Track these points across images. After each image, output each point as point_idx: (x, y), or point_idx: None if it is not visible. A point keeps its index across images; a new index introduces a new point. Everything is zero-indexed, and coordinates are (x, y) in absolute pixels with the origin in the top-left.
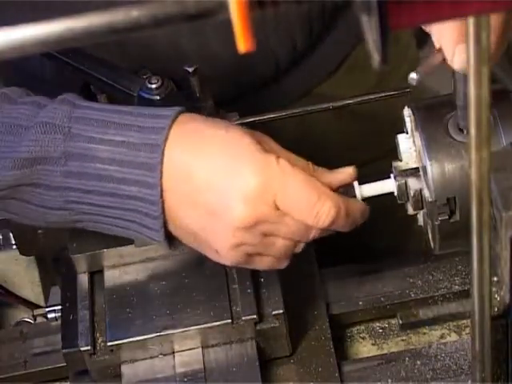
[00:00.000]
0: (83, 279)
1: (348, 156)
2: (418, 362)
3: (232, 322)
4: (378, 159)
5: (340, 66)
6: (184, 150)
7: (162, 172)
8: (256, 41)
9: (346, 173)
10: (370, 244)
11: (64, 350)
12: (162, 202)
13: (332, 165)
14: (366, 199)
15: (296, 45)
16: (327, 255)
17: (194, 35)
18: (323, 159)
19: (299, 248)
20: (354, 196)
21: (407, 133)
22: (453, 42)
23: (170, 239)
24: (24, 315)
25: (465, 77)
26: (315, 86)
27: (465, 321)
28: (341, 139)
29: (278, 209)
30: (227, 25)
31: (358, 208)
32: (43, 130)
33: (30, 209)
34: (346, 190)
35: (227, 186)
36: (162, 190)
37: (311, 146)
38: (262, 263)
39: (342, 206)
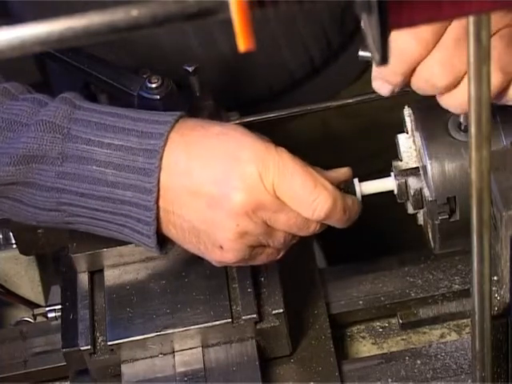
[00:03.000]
0: (83, 279)
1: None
2: (418, 362)
3: (232, 322)
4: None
5: (358, 79)
6: (182, 154)
7: (159, 178)
8: (268, 53)
9: (341, 172)
10: (370, 243)
11: (64, 350)
12: (157, 208)
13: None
14: (365, 196)
15: (312, 59)
16: (327, 254)
17: (202, 37)
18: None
19: (296, 239)
20: (354, 193)
21: (407, 132)
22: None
23: (162, 244)
24: (24, 314)
25: None
26: (330, 99)
27: (465, 320)
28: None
29: (277, 197)
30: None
31: (355, 205)
32: (42, 128)
33: (21, 208)
34: (346, 187)
35: (227, 175)
36: (157, 196)
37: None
38: (263, 256)
39: (338, 199)
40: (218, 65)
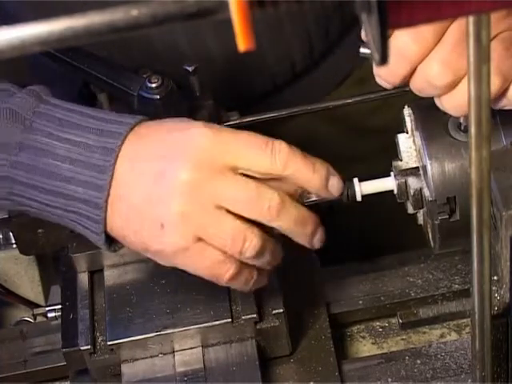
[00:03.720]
0: (83, 278)
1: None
2: (418, 361)
3: (232, 321)
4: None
5: (344, 81)
6: (135, 151)
7: (112, 175)
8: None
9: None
10: (369, 243)
11: (64, 350)
12: (106, 205)
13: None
14: (365, 196)
15: (295, 64)
16: (327, 254)
17: (192, 37)
18: None
19: (251, 243)
20: (354, 193)
21: (407, 132)
22: None
23: (112, 242)
24: (24, 314)
25: None
26: (317, 100)
27: (465, 320)
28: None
29: (228, 172)
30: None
31: (320, 161)
32: (6, 116)
33: None
34: (346, 187)
35: (176, 149)
36: (108, 194)
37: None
38: (206, 257)
39: (296, 150)
40: (226, 61)
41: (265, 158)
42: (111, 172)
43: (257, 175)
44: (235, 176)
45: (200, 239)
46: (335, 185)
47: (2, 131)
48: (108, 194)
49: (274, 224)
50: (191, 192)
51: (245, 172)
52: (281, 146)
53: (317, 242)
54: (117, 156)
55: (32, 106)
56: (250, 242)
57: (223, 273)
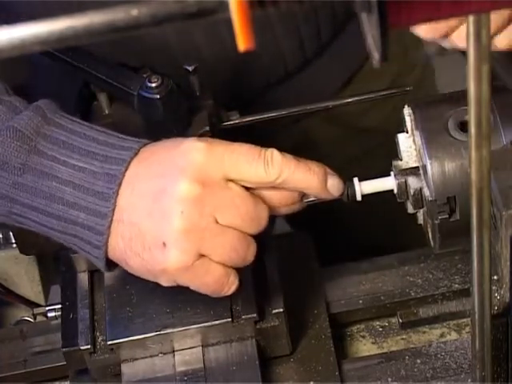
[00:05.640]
0: (83, 278)
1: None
2: (418, 361)
3: (232, 321)
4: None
5: (353, 77)
6: (140, 172)
7: (115, 203)
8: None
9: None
10: (369, 243)
11: (64, 349)
12: (108, 232)
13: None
14: (365, 196)
15: (287, 63)
16: (327, 254)
17: (183, 37)
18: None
19: (251, 252)
20: (354, 193)
21: (407, 132)
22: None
23: (111, 265)
24: (24, 314)
25: None
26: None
27: (465, 319)
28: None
29: (226, 184)
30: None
31: (316, 164)
32: (11, 134)
33: None
34: (346, 187)
35: (173, 166)
36: (111, 220)
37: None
38: (210, 273)
39: (290, 157)
40: (220, 61)
41: (259, 168)
42: (114, 200)
43: (253, 186)
44: (232, 190)
45: (202, 255)
46: (335, 185)
47: (5, 150)
48: (111, 221)
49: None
50: (191, 208)
51: (240, 183)
52: (273, 155)
53: (331, 188)
54: (120, 183)
55: (37, 127)
56: (253, 250)
57: (226, 289)
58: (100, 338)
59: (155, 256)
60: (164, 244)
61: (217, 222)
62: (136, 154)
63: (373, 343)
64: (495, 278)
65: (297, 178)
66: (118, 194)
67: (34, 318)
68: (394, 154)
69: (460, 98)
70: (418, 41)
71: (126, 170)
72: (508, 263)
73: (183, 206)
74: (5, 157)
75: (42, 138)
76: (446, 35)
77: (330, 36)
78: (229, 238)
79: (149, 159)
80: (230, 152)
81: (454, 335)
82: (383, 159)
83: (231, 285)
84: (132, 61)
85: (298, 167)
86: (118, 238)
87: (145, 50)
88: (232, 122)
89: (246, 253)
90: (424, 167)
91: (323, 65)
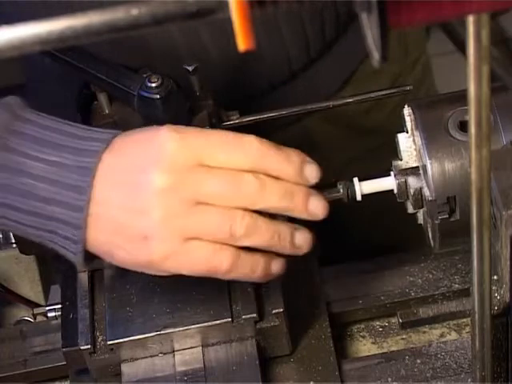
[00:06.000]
0: (83, 278)
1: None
2: (418, 361)
3: (232, 321)
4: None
5: (349, 78)
6: (113, 162)
7: (90, 196)
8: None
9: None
10: (369, 243)
11: (64, 349)
12: (85, 225)
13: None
14: (365, 196)
15: (292, 62)
16: (327, 254)
17: (189, 37)
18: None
19: (240, 223)
20: (354, 193)
21: (407, 132)
22: None
23: (89, 260)
24: (24, 314)
25: None
26: (316, 99)
27: (465, 319)
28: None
29: (201, 168)
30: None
31: (294, 151)
32: None
33: None
34: (346, 186)
35: (147, 159)
36: (87, 214)
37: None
38: (199, 253)
39: (266, 140)
40: (226, 61)
41: (237, 154)
42: (89, 193)
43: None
44: (209, 171)
45: (187, 239)
46: (314, 172)
47: None
48: (87, 214)
49: (259, 207)
50: (168, 197)
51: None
52: (251, 140)
53: (315, 209)
54: (94, 175)
55: (6, 123)
56: (240, 221)
57: (219, 264)
58: (100, 338)
59: (139, 249)
60: (145, 237)
61: (196, 205)
62: (108, 145)
63: (373, 343)
64: (495, 277)
65: (274, 164)
66: (92, 186)
67: (34, 318)
68: (395, 154)
69: (460, 98)
70: (418, 41)
71: (98, 161)
72: (508, 263)
73: (159, 198)
74: None
75: (12, 134)
76: None
77: (334, 36)
78: (209, 215)
79: (121, 150)
80: (205, 139)
81: (453, 335)
82: (384, 159)
83: (226, 260)
84: (136, 61)
85: (276, 153)
86: (98, 231)
87: (150, 50)
88: (232, 122)
89: (231, 226)
90: (424, 167)
91: (326, 64)
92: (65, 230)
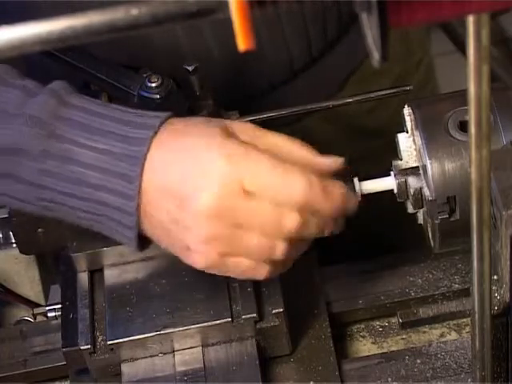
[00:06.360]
0: (83, 278)
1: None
2: (418, 361)
3: (232, 321)
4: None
5: (349, 78)
6: (160, 159)
7: (140, 184)
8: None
9: (334, 160)
10: (369, 243)
11: (64, 349)
12: (138, 213)
13: None
14: (365, 195)
15: (293, 62)
16: (327, 254)
17: (191, 36)
18: None
19: (279, 250)
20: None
21: (407, 132)
22: None
23: (142, 244)
24: (24, 314)
25: None
26: (317, 99)
27: (465, 319)
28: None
29: (247, 194)
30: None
31: (338, 187)
32: (29, 122)
33: None
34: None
35: (195, 176)
36: (139, 202)
37: None
38: (238, 267)
39: (314, 180)
40: (229, 60)
41: (283, 193)
42: (139, 182)
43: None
44: (254, 199)
45: (227, 256)
46: (351, 201)
47: (25, 138)
48: (139, 203)
49: (296, 237)
50: (213, 220)
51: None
52: (300, 181)
53: (336, 229)
54: (143, 164)
55: (53, 110)
56: (279, 249)
57: (258, 275)
58: (100, 338)
59: (182, 254)
60: (188, 248)
61: (239, 227)
62: (156, 132)
63: (373, 343)
64: (495, 277)
65: (317, 204)
66: (141, 176)
67: (34, 318)
68: (396, 155)
69: (460, 98)
70: (422, 41)
71: (147, 150)
72: (508, 263)
73: (204, 220)
74: (25, 145)
75: (59, 121)
76: None
77: (336, 35)
78: (251, 241)
79: (170, 146)
80: (253, 165)
81: (453, 335)
82: (385, 160)
83: (264, 272)
84: (137, 60)
85: (321, 196)
86: (147, 223)
87: (151, 49)
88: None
89: (272, 252)
90: (424, 167)
91: (328, 64)
92: (118, 215)
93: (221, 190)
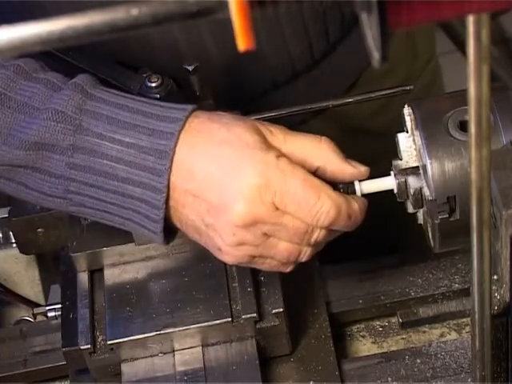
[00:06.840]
0: (83, 278)
1: None
2: (418, 361)
3: (232, 321)
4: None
5: (356, 81)
6: (188, 156)
7: (169, 178)
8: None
9: (359, 169)
10: (369, 242)
11: (64, 349)
12: (165, 206)
13: None
14: (365, 195)
15: (294, 63)
16: (327, 253)
17: (191, 36)
18: None
19: (305, 254)
20: (354, 192)
21: (407, 131)
22: None
23: (169, 235)
24: (24, 314)
25: None
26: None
27: (465, 319)
28: None
29: (277, 209)
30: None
31: (360, 207)
32: (55, 117)
33: (25, 192)
34: (346, 186)
35: (227, 186)
36: (167, 196)
37: None
38: (265, 265)
39: (342, 206)
40: (229, 61)
41: (308, 218)
42: (167, 175)
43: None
44: (283, 215)
45: (255, 258)
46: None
47: (52, 134)
48: (167, 196)
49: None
50: (243, 230)
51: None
52: (327, 206)
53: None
54: (172, 158)
55: (79, 104)
56: (305, 253)
57: (285, 269)
58: (100, 338)
59: (213, 251)
60: (219, 249)
61: (269, 237)
62: (183, 126)
63: (373, 343)
64: (495, 277)
65: (340, 227)
66: (170, 170)
67: (34, 318)
68: (397, 156)
69: (460, 97)
70: (428, 44)
71: (175, 145)
72: (508, 263)
73: (236, 229)
74: (52, 140)
75: (85, 114)
76: None
77: (338, 37)
78: (280, 248)
79: (201, 140)
80: (283, 183)
81: (453, 335)
82: (387, 162)
83: (289, 268)
84: (138, 60)
85: (346, 220)
86: (176, 220)
87: (152, 49)
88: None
89: (299, 257)
90: (424, 167)
91: (331, 66)
92: (145, 209)
93: (250, 204)
